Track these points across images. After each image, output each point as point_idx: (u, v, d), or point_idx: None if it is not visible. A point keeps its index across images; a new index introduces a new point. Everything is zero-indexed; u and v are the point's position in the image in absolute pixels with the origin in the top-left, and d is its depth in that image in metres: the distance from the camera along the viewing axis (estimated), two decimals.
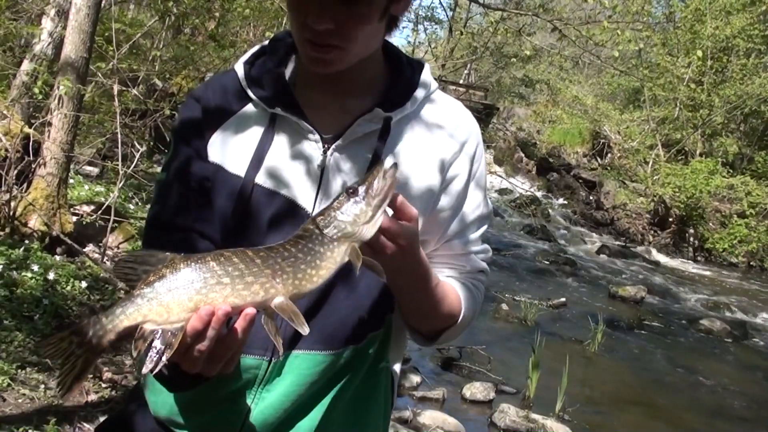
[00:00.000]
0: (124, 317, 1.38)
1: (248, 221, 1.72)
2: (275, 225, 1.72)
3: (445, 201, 1.83)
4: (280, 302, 1.43)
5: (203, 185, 1.77)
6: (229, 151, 1.77)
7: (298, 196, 1.73)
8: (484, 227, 1.96)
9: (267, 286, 1.42)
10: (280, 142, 1.75)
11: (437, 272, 1.81)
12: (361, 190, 1.47)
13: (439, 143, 1.83)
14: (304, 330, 1.41)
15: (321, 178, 1.74)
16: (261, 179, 1.72)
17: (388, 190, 1.48)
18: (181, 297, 1.39)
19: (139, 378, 1.84)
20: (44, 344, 1.40)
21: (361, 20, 1.64)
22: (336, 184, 1.73)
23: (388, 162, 1.52)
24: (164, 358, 1.36)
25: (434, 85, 1.92)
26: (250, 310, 1.40)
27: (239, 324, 1.41)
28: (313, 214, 1.67)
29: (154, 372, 1.36)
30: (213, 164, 1.77)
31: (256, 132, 1.77)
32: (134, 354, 1.37)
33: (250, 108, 1.80)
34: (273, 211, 1.72)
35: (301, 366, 1.73)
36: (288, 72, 1.86)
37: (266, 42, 1.93)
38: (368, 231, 1.47)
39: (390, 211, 1.51)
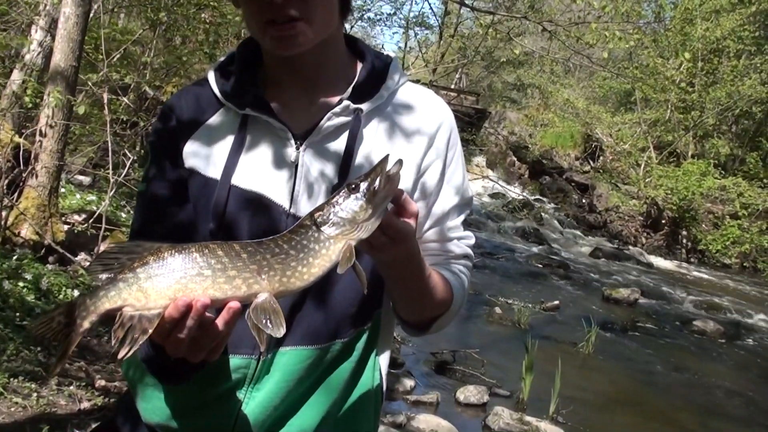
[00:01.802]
0: (106, 300, 1.40)
1: (227, 222, 1.73)
2: (254, 224, 1.73)
3: (422, 190, 1.84)
4: (263, 300, 1.42)
5: (182, 192, 1.79)
6: (204, 155, 1.79)
7: (274, 194, 1.74)
8: (465, 213, 1.96)
9: (250, 282, 1.42)
10: (253, 142, 1.78)
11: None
12: (363, 186, 1.46)
13: (412, 132, 1.84)
14: (279, 332, 1.41)
15: (295, 174, 1.74)
16: (237, 180, 1.74)
17: (391, 189, 1.47)
18: (161, 285, 1.40)
19: (130, 382, 1.84)
20: (35, 323, 1.43)
21: None
22: (310, 180, 1.74)
23: (392, 159, 1.50)
24: (138, 344, 1.37)
25: (404, 75, 1.93)
26: (234, 304, 1.41)
27: (222, 316, 1.42)
28: (291, 212, 1.71)
29: (127, 356, 1.37)
30: (189, 170, 1.79)
31: (229, 135, 1.79)
32: (113, 341, 1.38)
33: (222, 113, 1.83)
34: (251, 210, 1.73)
35: (289, 362, 1.73)
36: (257, 73, 1.87)
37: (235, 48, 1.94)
38: (367, 229, 1.46)
39: (390, 206, 1.51)
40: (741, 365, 12.37)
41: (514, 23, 15.15)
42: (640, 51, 26.31)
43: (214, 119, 1.83)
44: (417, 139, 1.83)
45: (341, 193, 1.47)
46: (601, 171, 26.29)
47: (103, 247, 7.86)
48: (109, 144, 8.30)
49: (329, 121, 1.76)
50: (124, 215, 9.82)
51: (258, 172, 1.75)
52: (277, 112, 1.78)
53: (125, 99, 9.74)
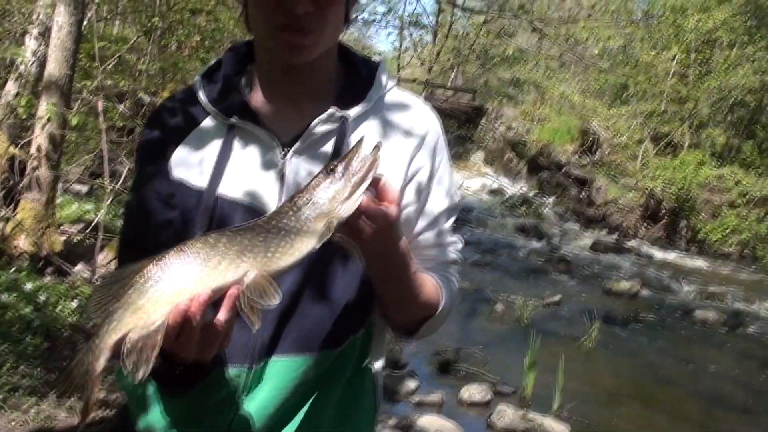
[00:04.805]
0: (110, 333, 1.41)
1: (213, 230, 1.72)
2: None
3: (410, 196, 1.84)
4: (252, 277, 1.43)
5: (169, 203, 1.78)
6: (191, 165, 1.79)
7: (261, 203, 1.74)
8: (453, 218, 1.96)
9: (237, 263, 1.43)
10: (240, 151, 1.78)
11: None
12: (340, 167, 1.47)
13: (398, 139, 1.84)
14: (275, 300, 1.42)
15: (282, 183, 1.75)
16: (223, 190, 1.74)
17: (369, 169, 1.48)
18: (155, 297, 1.41)
19: (131, 390, 1.85)
20: (56, 386, 1.47)
21: (335, 4, 1.69)
22: (298, 187, 1.70)
23: (370, 142, 1.52)
24: (152, 360, 1.38)
25: (391, 81, 1.94)
26: (233, 291, 1.42)
27: (222, 311, 1.43)
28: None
29: (147, 374, 1.38)
30: (176, 180, 1.79)
31: (215, 144, 1.78)
32: (128, 367, 1.39)
33: (208, 121, 1.83)
34: (238, 219, 1.72)
35: (281, 372, 1.73)
36: (244, 79, 1.88)
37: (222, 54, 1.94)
38: (346, 209, 1.46)
39: (371, 193, 1.51)
40: (743, 354, 12.36)
41: (506, 22, 15.17)
42: (633, 44, 26.33)
43: (201, 127, 1.83)
44: (406, 140, 1.84)
45: (319, 176, 1.49)
46: (598, 164, 26.26)
47: (101, 256, 7.85)
48: (105, 152, 8.29)
49: (316, 128, 1.77)
50: (121, 223, 9.80)
51: (245, 181, 1.75)
52: (264, 120, 1.79)
53: (121, 106, 9.74)
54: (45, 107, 7.45)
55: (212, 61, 1.94)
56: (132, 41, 13.26)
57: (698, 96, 24.73)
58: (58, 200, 8.48)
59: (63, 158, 8.38)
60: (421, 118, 1.90)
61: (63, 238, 7.90)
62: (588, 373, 10.10)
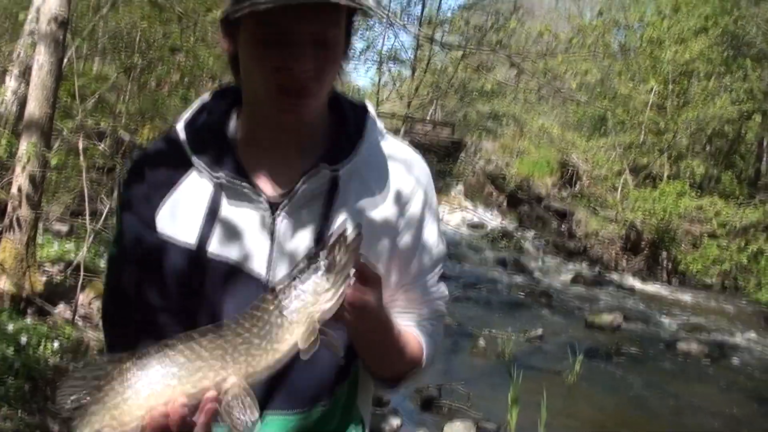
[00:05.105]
0: (86, 430, 1.40)
1: (202, 291, 1.71)
2: (230, 293, 1.71)
3: (401, 248, 1.83)
4: (231, 384, 1.41)
5: (155, 258, 1.74)
6: (178, 221, 1.74)
7: (251, 263, 1.71)
8: (440, 267, 1.94)
9: (217, 369, 1.41)
10: (228, 208, 1.73)
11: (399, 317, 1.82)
12: (323, 263, 1.44)
13: (389, 191, 1.82)
14: (254, 416, 1.41)
15: (272, 242, 1.72)
16: (212, 248, 1.71)
17: (350, 260, 1.45)
18: (132, 401, 1.40)
19: None
20: None
21: (335, 60, 1.65)
22: (287, 247, 1.72)
23: (350, 227, 1.49)
24: None
25: (379, 128, 1.89)
26: (210, 405, 1.40)
27: (200, 421, 1.41)
28: (269, 280, 1.68)
29: None
30: (162, 236, 1.74)
31: (202, 199, 1.73)
32: None
33: (195, 174, 1.76)
34: (226, 280, 1.70)
35: (274, 427, 1.72)
36: (230, 128, 1.82)
37: (206, 96, 1.89)
38: (330, 307, 1.44)
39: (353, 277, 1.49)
40: (726, 385, 12.38)
41: (484, 57, 15.27)
42: (612, 76, 26.53)
43: (187, 180, 1.76)
44: (394, 201, 1.81)
45: (301, 269, 1.46)
46: (578, 197, 26.38)
47: (82, 296, 7.81)
48: (86, 191, 8.27)
49: (305, 186, 1.72)
50: (103, 263, 9.75)
51: (233, 241, 1.72)
52: (252, 175, 1.74)
53: (101, 145, 9.73)
54: (25, 147, 7.42)
55: (195, 104, 1.87)
56: (111, 80, 13.28)
57: (677, 127, 24.91)
58: (39, 240, 8.43)
59: (44, 197, 8.35)
60: (411, 172, 1.87)
61: (44, 278, 7.85)
62: (571, 408, 10.09)
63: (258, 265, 1.71)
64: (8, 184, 7.85)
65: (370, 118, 1.88)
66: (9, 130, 8.60)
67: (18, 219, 7.51)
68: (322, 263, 1.44)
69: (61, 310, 7.65)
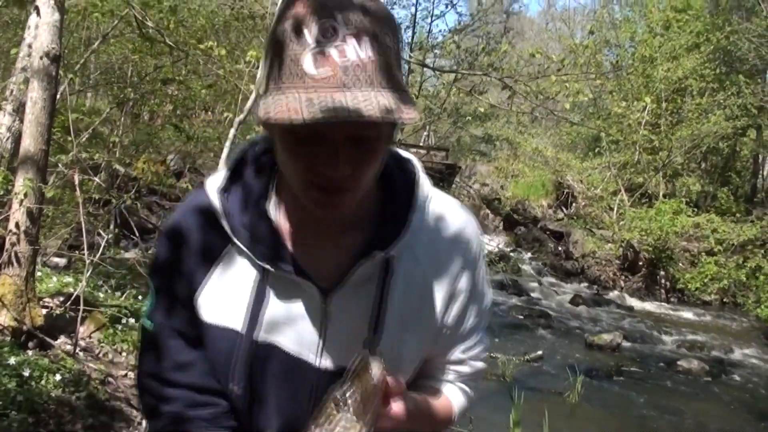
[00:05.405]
0: None
1: (252, 378, 1.67)
2: (281, 380, 1.67)
3: (451, 317, 1.78)
4: None
5: (196, 338, 1.70)
6: (222, 304, 1.67)
7: (301, 349, 1.67)
8: (485, 323, 1.91)
9: None
10: (276, 296, 1.65)
11: (436, 374, 1.87)
12: (351, 401, 1.45)
13: (443, 263, 1.74)
14: None
15: (322, 328, 1.66)
16: (260, 335, 1.65)
17: (376, 393, 1.47)
18: None
19: None
20: None
21: (375, 158, 1.50)
22: (339, 334, 1.66)
23: (375, 364, 1.49)
24: None
25: (429, 192, 1.77)
26: None
27: None
28: (320, 367, 1.67)
29: None
30: (205, 319, 1.68)
31: (247, 283, 1.65)
32: None
33: (234, 253, 1.67)
34: (276, 366, 1.66)
35: None
36: (270, 204, 1.69)
37: (237, 155, 1.74)
38: None
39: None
40: (728, 402, 12.37)
41: (476, 80, 15.32)
42: (604, 96, 26.63)
43: (228, 258, 1.68)
44: (448, 270, 1.75)
45: (328, 411, 1.47)
46: (574, 218, 26.41)
47: (82, 329, 7.81)
48: (83, 225, 8.29)
49: (357, 272, 1.62)
50: (102, 295, 9.76)
51: (282, 328, 1.65)
52: (298, 261, 1.63)
53: (96, 178, 9.75)
54: (21, 183, 7.44)
55: (227, 168, 1.73)
56: (105, 113, 13.31)
57: (671, 145, 25.00)
58: (38, 274, 8.44)
59: (41, 232, 8.36)
60: (462, 233, 1.78)
61: (44, 311, 7.84)
62: (573, 429, 10.08)
63: (308, 352, 1.67)
64: (5, 219, 7.86)
65: (419, 185, 1.76)
66: (5, 167, 8.60)
67: (17, 254, 7.52)
68: (350, 405, 1.46)
69: (62, 342, 7.65)
